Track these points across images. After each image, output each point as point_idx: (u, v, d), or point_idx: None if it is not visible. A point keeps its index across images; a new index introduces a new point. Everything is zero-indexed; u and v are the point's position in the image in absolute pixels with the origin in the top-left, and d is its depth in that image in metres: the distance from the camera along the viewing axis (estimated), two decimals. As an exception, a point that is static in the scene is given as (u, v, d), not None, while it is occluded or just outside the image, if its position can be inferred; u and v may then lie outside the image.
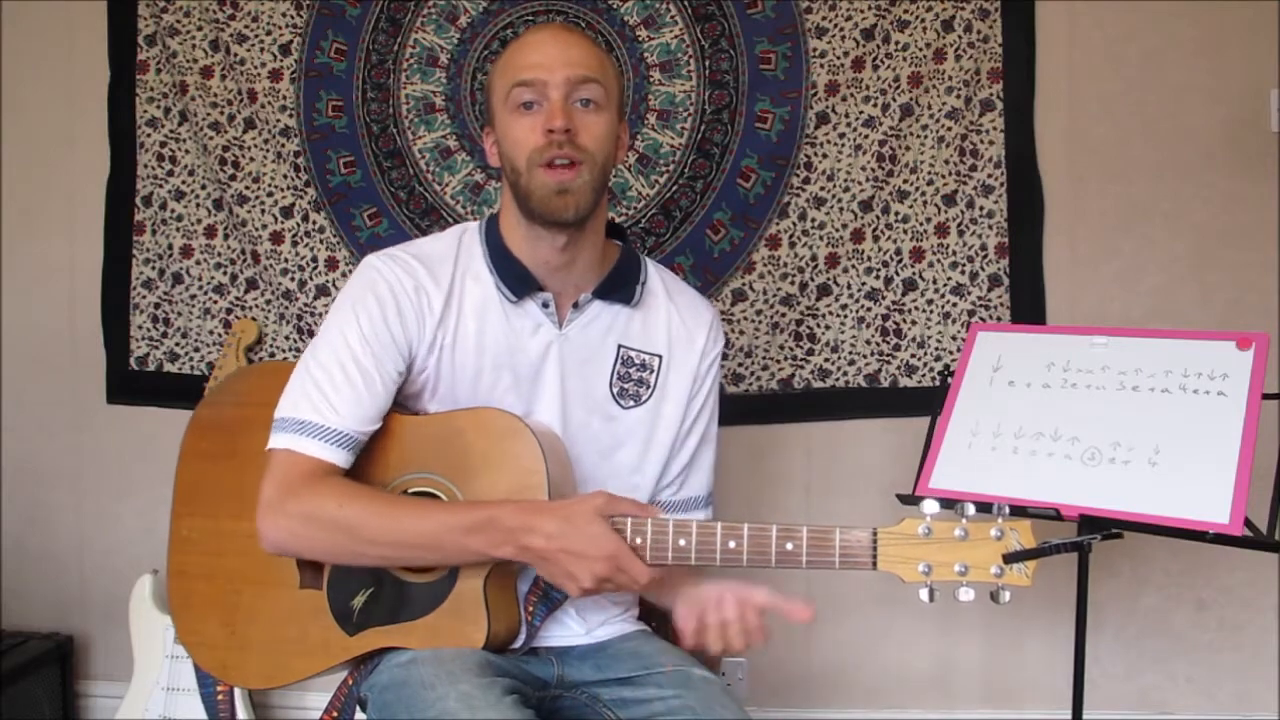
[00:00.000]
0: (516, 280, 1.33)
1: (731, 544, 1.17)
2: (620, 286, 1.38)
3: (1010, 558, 1.11)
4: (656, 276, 1.44)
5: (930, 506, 1.14)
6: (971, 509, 1.13)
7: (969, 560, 1.12)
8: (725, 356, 2.14)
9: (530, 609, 1.29)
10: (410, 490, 1.28)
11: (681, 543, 1.18)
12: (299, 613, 1.29)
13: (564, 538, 1.14)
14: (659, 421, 1.39)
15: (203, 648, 1.35)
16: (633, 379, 1.38)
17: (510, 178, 1.30)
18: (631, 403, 1.38)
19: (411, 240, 1.40)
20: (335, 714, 1.30)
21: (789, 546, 1.16)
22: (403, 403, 1.34)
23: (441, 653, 1.20)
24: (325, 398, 1.23)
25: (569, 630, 1.36)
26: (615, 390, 1.37)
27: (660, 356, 1.39)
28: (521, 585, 1.31)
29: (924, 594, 1.13)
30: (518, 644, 1.29)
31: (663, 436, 1.39)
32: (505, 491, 1.23)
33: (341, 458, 1.23)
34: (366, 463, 1.29)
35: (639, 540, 1.18)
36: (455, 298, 1.32)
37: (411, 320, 1.29)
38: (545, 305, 1.34)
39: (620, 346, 1.38)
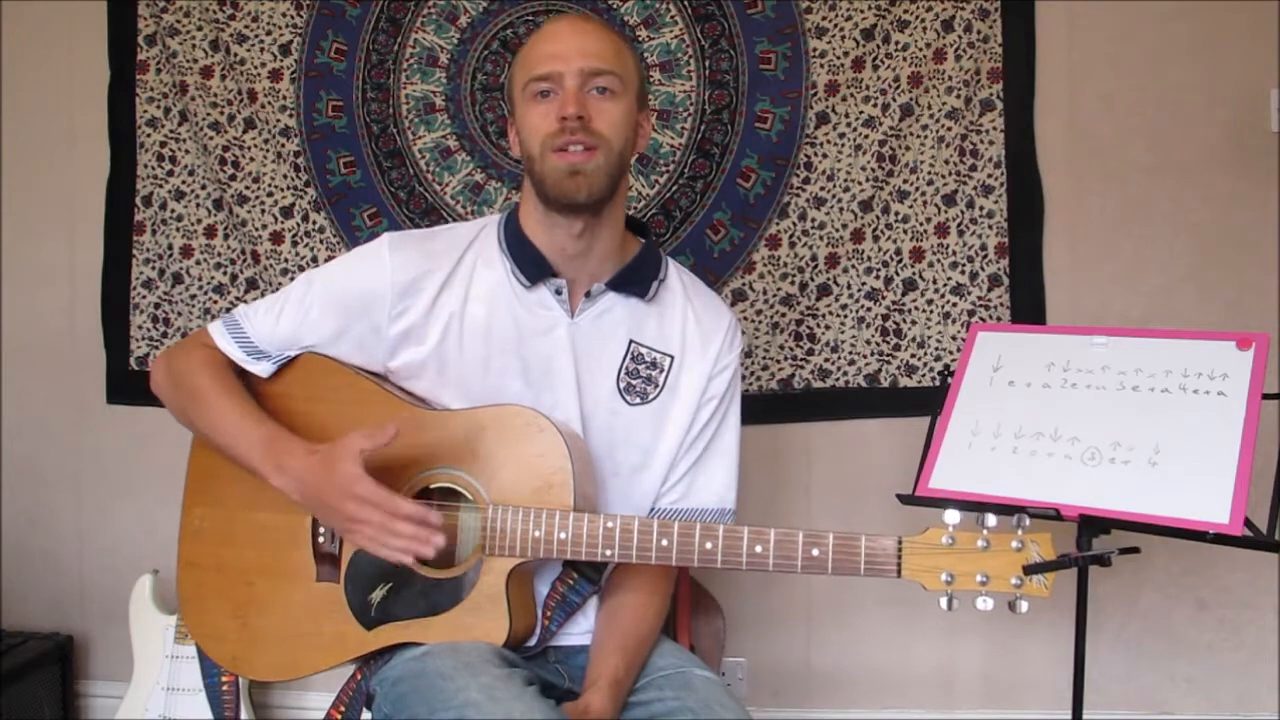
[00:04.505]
0: (531, 265, 1.32)
1: (758, 549, 1.18)
2: (636, 280, 1.37)
3: (1031, 569, 1.12)
4: (676, 276, 1.42)
5: (952, 516, 1.14)
6: (993, 520, 1.14)
7: (990, 570, 1.13)
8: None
9: (549, 614, 1.29)
10: (434, 485, 1.28)
11: (708, 546, 1.19)
12: (313, 606, 1.29)
13: (311, 473, 1.22)
14: (665, 423, 1.37)
15: (212, 640, 1.35)
16: (641, 375, 1.36)
17: (527, 165, 1.31)
18: (638, 400, 1.36)
19: (435, 226, 1.43)
20: (343, 709, 1.29)
21: (815, 553, 1.16)
22: (416, 392, 1.34)
23: (458, 646, 1.20)
24: (259, 310, 1.37)
25: (578, 627, 1.35)
26: (622, 385, 1.36)
27: (672, 357, 1.38)
28: (541, 587, 1.31)
29: (944, 602, 1.13)
30: (532, 643, 1.29)
31: (668, 439, 1.37)
32: (530, 489, 1.23)
33: (235, 352, 1.36)
34: (392, 457, 1.28)
35: (664, 542, 1.18)
36: (460, 284, 1.32)
37: (383, 312, 1.31)
38: (558, 292, 1.33)
39: (632, 341, 1.36)
